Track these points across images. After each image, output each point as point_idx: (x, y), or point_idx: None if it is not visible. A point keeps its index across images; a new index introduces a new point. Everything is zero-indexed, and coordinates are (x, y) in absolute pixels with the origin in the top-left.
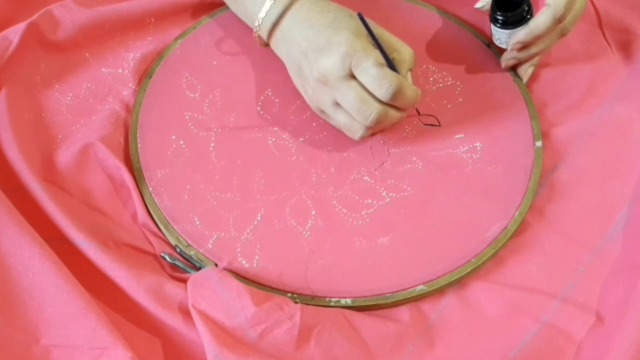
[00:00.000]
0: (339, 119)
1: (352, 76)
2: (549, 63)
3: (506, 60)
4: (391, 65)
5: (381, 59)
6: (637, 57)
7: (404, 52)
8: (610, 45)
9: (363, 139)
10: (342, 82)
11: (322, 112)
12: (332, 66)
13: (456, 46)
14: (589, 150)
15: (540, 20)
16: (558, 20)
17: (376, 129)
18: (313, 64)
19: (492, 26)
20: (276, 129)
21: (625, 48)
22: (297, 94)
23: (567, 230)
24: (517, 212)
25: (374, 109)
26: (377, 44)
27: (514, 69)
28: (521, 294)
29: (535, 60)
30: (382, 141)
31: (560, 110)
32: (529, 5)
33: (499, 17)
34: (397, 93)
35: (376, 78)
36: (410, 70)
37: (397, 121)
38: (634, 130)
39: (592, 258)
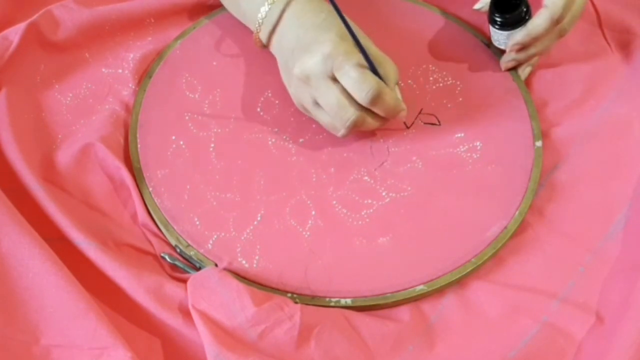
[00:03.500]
0: (320, 117)
1: (333, 78)
2: (548, 63)
3: (505, 62)
4: (374, 70)
5: (364, 63)
6: (636, 57)
7: (387, 67)
8: (610, 45)
9: (345, 136)
10: (322, 83)
11: (305, 109)
12: (314, 66)
13: (456, 46)
14: (589, 150)
15: (537, 22)
16: (556, 22)
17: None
18: (296, 62)
19: (491, 27)
20: (276, 130)
21: (625, 48)
22: None
23: (567, 230)
24: (517, 212)
25: (352, 115)
26: (360, 48)
27: (514, 69)
28: (521, 294)
29: (534, 60)
30: (382, 140)
31: (560, 110)
32: (527, 7)
33: (497, 19)
34: (376, 97)
35: (357, 81)
36: (397, 84)
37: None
38: (634, 130)
39: (592, 258)
